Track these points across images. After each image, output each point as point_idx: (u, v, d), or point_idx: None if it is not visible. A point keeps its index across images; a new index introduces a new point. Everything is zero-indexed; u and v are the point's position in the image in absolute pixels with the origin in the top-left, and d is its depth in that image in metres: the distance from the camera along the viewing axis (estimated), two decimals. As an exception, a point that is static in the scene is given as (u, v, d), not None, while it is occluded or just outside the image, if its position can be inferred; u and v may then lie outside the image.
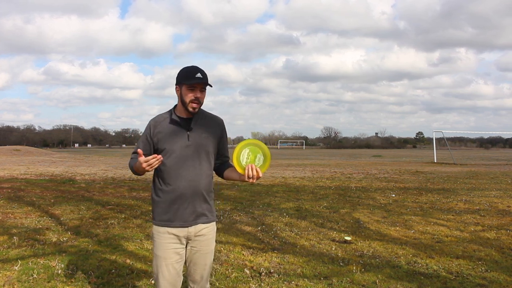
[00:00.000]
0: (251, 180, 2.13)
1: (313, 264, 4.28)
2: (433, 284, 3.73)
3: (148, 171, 2.11)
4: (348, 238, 5.39)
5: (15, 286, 3.53)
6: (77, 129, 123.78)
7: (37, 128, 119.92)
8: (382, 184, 12.25)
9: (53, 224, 6.06)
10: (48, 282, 3.63)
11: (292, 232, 5.72)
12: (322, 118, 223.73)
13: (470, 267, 4.23)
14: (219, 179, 2.57)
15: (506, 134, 63.50)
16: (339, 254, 4.64)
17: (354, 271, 4.03)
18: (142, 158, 2.08)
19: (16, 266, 3.99)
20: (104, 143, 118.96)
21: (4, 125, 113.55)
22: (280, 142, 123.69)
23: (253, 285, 3.64)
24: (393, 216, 7.05)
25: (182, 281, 2.33)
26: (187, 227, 2.24)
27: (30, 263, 4.09)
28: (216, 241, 2.41)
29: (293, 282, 3.72)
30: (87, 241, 5.08)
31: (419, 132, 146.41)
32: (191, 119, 2.25)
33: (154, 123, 2.28)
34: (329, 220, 6.61)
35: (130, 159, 2.32)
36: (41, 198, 8.62)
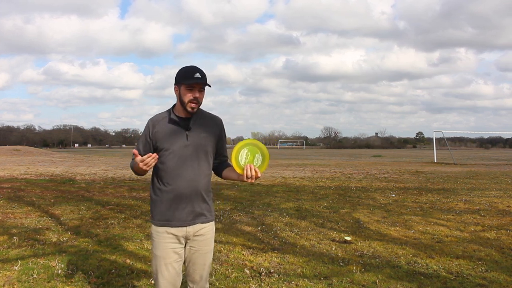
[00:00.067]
0: (249, 180, 2.14)
1: (313, 264, 4.28)
2: (433, 284, 3.73)
3: (146, 170, 2.11)
4: (348, 238, 5.39)
5: (15, 286, 3.53)
6: (77, 129, 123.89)
7: (37, 128, 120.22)
8: (382, 184, 12.25)
9: (53, 224, 6.06)
10: (48, 282, 3.63)
11: (292, 232, 5.72)
12: (322, 118, 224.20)
13: (470, 267, 4.23)
14: (219, 179, 2.57)
15: (506, 134, 63.56)
16: (339, 254, 4.64)
17: (354, 271, 4.03)
18: (138, 158, 2.09)
19: (16, 266, 3.99)
20: (104, 143, 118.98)
21: (4, 125, 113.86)
22: (280, 142, 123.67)
23: (253, 285, 3.64)
24: (393, 216, 7.04)
25: (182, 281, 2.33)
26: (186, 226, 2.24)
27: (30, 263, 4.09)
28: (216, 241, 2.41)
29: (293, 282, 3.72)
30: (87, 241, 5.08)
31: (419, 132, 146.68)
32: (190, 118, 2.25)
33: (152, 123, 2.27)
34: (329, 220, 6.61)
35: (131, 160, 2.33)
36: (41, 198, 8.62)
